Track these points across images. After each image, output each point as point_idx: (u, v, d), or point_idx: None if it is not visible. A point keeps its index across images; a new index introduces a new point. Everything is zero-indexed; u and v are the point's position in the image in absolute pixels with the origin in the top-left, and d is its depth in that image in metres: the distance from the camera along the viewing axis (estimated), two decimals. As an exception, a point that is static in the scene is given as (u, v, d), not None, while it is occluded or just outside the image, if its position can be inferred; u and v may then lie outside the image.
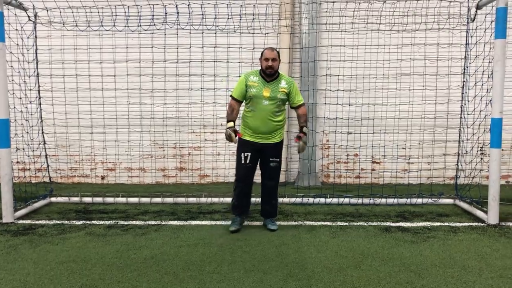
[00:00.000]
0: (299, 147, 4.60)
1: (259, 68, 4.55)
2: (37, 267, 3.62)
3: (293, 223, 4.89)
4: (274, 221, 4.77)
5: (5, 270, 3.56)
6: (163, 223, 4.92)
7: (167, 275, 3.45)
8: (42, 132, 6.00)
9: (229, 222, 4.84)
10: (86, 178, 7.35)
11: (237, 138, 4.50)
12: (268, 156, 4.57)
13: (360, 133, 6.86)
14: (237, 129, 4.51)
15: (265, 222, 4.77)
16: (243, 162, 4.54)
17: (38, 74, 5.90)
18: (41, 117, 5.99)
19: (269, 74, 4.42)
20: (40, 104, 5.98)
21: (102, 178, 7.38)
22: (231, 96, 4.55)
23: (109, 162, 7.29)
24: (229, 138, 4.47)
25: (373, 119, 6.93)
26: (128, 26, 5.81)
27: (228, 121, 4.50)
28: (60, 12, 5.68)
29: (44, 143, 6.05)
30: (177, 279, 3.38)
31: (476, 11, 5.37)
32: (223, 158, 7.02)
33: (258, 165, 4.68)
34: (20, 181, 6.08)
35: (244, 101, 4.56)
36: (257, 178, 4.68)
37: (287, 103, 4.61)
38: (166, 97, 6.92)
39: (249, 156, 4.51)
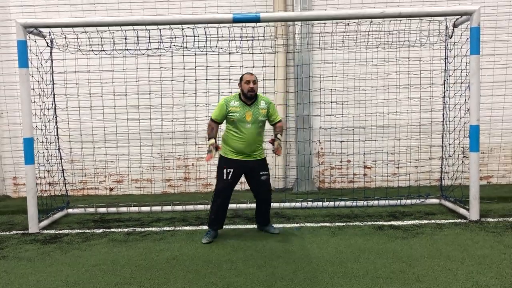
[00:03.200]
0: (277, 146, 4.76)
1: (238, 92, 4.76)
2: (73, 270, 4.05)
3: (296, 225, 5.36)
4: (271, 224, 5.11)
5: (46, 273, 3.99)
6: (177, 228, 5.36)
7: (190, 273, 3.91)
8: (59, 148, 6.43)
9: (237, 226, 5.34)
10: (96, 190, 7.76)
11: (217, 152, 4.76)
12: (257, 171, 4.77)
13: (353, 141, 7.37)
14: (218, 144, 4.81)
15: (265, 229, 5.04)
16: (224, 177, 4.68)
17: (54, 94, 6.34)
18: (57, 134, 6.43)
19: (250, 97, 4.62)
20: (56, 122, 6.42)
21: (111, 189, 7.80)
22: (211, 118, 4.75)
23: (117, 175, 7.71)
24: (210, 153, 4.73)
25: (364, 127, 7.45)
26: (139, 50, 6.28)
27: (209, 138, 4.74)
28: (77, 37, 6.14)
29: (61, 159, 6.47)
30: (200, 275, 3.85)
31: (453, 29, 5.94)
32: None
33: (238, 182, 4.86)
34: (40, 194, 6.47)
35: (225, 121, 4.77)
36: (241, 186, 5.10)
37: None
38: (174, 111, 7.40)
39: (231, 172, 4.67)
